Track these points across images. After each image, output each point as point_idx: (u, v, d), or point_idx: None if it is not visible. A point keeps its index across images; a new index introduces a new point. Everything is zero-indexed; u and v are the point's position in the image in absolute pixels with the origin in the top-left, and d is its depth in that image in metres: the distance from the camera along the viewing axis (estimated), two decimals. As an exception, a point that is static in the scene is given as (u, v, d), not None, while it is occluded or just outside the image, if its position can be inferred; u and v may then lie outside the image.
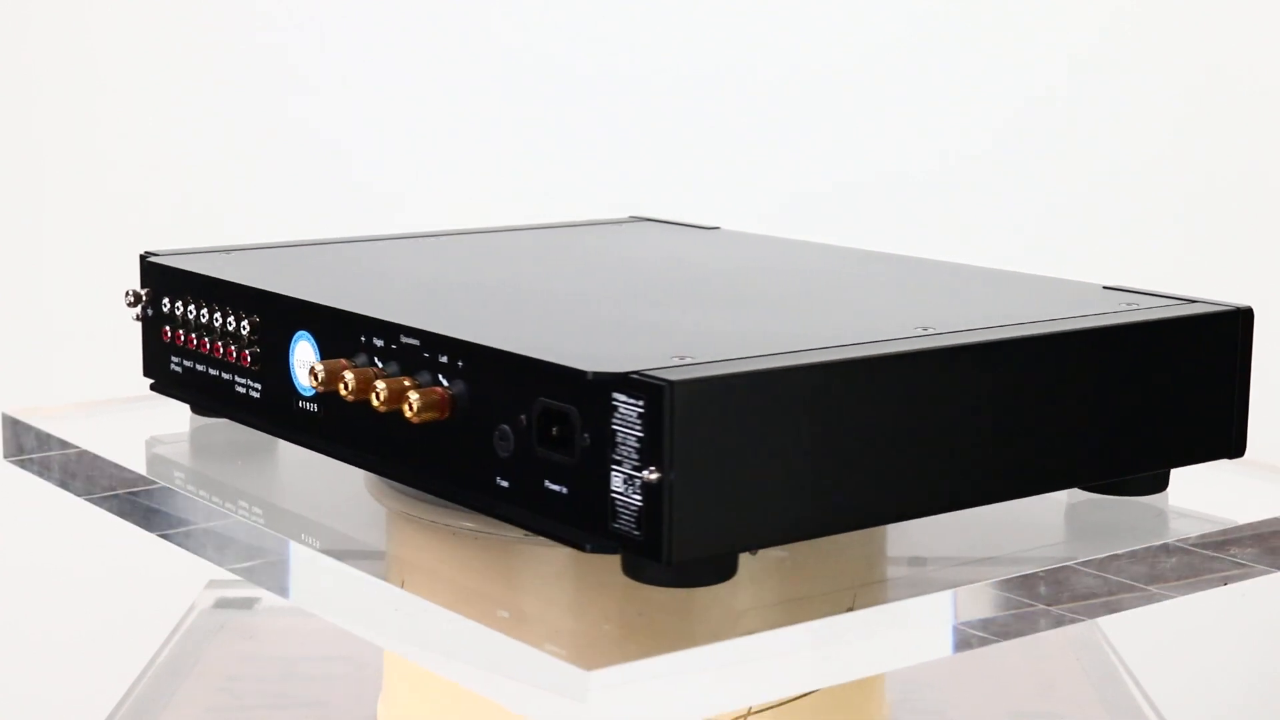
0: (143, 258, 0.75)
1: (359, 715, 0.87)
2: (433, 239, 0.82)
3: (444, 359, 0.59)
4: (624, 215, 0.93)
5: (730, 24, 1.34)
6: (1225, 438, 0.65)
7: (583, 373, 0.53)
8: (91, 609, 1.35)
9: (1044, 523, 0.67)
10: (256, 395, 0.68)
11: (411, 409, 0.58)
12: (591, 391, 0.53)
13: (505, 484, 0.57)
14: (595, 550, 0.54)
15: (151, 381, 0.75)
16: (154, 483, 0.71)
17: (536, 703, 0.52)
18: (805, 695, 0.64)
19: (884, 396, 0.56)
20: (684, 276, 0.73)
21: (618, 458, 0.53)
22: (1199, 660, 1.38)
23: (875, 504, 0.57)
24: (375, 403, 0.59)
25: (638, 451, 0.52)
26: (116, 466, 0.73)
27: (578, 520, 0.55)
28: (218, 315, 0.70)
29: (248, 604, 1.03)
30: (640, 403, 0.52)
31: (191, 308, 0.71)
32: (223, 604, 1.03)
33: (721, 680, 0.53)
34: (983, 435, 0.59)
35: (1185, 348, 0.64)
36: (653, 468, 0.52)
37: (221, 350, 0.70)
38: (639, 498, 0.52)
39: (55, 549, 1.35)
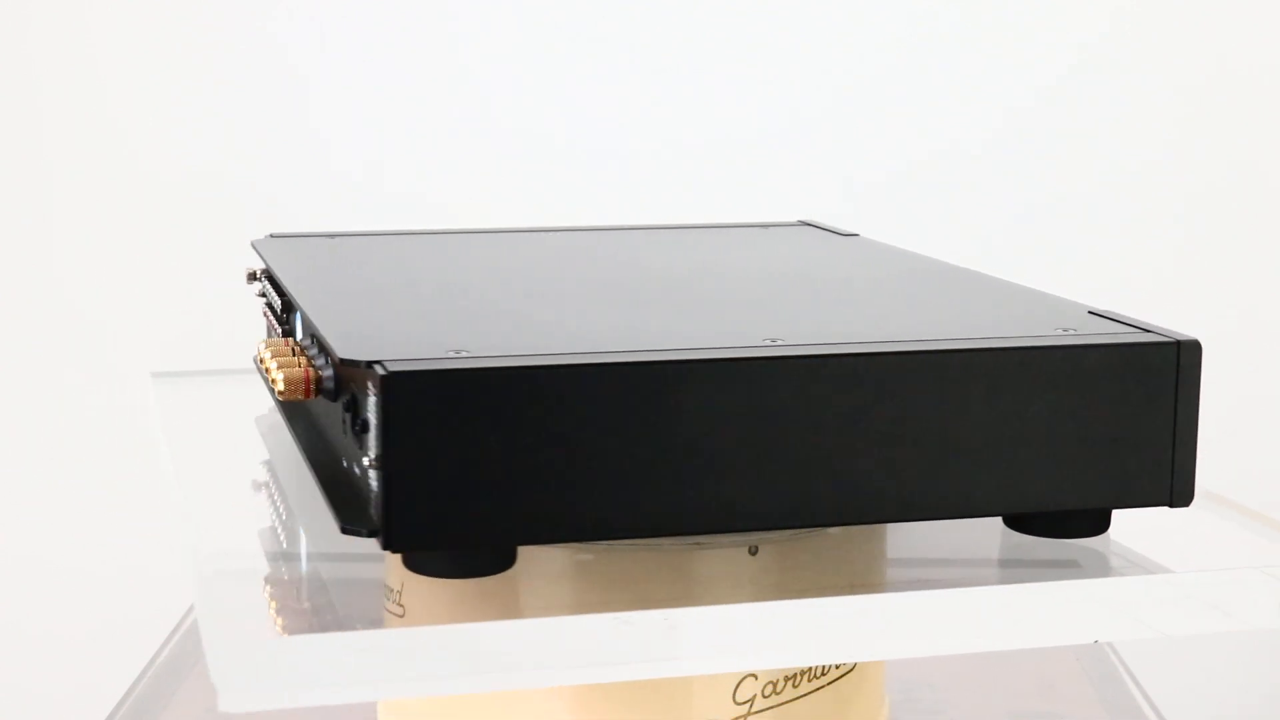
0: (267, 238, 0.80)
1: (359, 715, 0.87)
2: (549, 234, 0.83)
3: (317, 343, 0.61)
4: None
5: (730, 25, 1.35)
6: (1162, 482, 0.59)
7: (339, 359, 0.55)
8: (91, 609, 1.35)
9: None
10: None
11: (279, 386, 0.59)
12: (358, 379, 0.54)
13: (344, 464, 0.58)
14: (347, 532, 0.54)
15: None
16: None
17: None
18: (804, 696, 0.64)
19: (646, 404, 0.54)
20: (641, 277, 0.73)
21: (367, 444, 0.53)
22: (1199, 660, 1.38)
23: (642, 513, 0.55)
24: (274, 384, 0.61)
25: (373, 439, 0.53)
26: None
27: (346, 503, 0.56)
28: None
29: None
30: (374, 391, 0.53)
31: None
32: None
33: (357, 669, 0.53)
34: (801, 453, 0.55)
35: (1100, 380, 0.58)
36: (376, 455, 0.52)
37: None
38: (374, 484, 0.53)
39: (56, 548, 1.35)
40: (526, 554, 0.61)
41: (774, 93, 1.35)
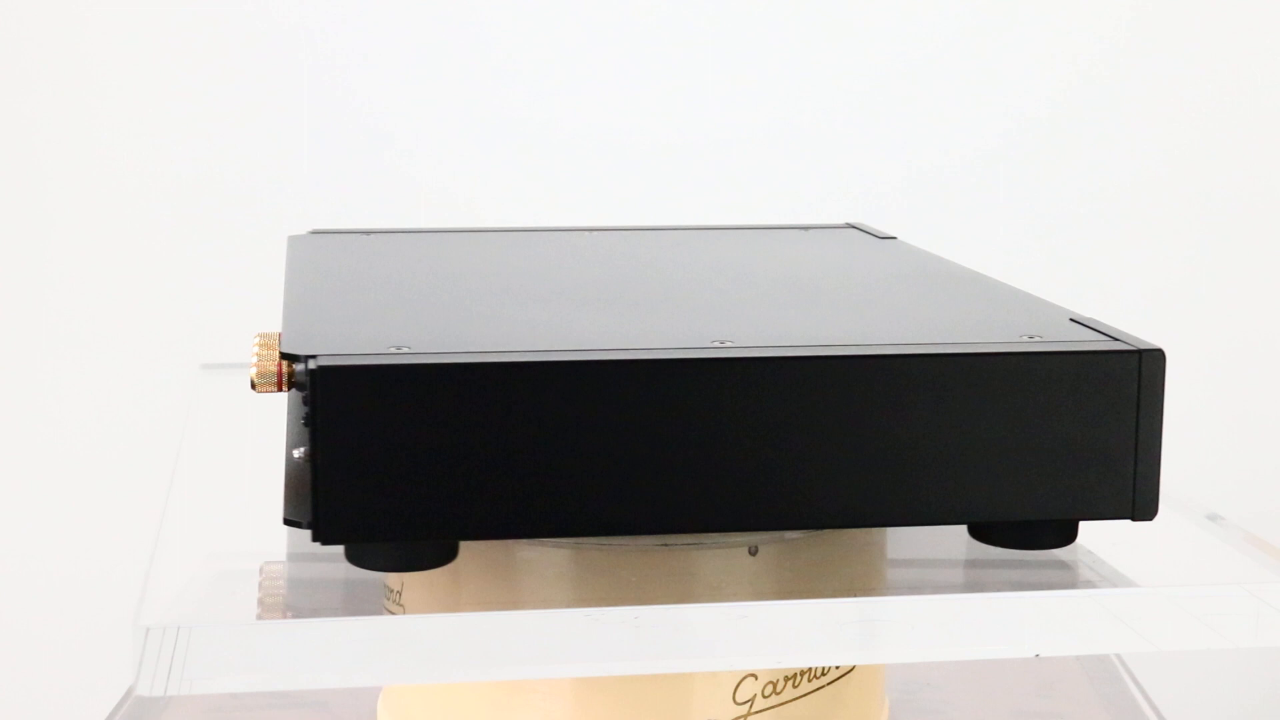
0: (308, 234, 0.82)
1: (359, 715, 0.87)
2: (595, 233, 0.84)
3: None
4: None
5: (729, 26, 1.34)
6: (1123, 494, 0.57)
7: (280, 352, 0.56)
8: (92, 609, 1.35)
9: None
10: None
11: (253, 379, 0.59)
12: (302, 372, 0.55)
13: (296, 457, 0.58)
14: (287, 524, 0.55)
15: None
16: None
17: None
18: (804, 696, 0.64)
19: (571, 404, 0.54)
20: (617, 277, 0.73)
21: (306, 438, 0.54)
22: (1199, 660, 1.38)
23: (572, 511, 0.55)
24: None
25: (306, 431, 0.54)
26: None
27: (294, 495, 0.56)
28: None
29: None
30: (307, 384, 0.54)
31: None
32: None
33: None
34: (742, 457, 0.55)
35: (1057, 388, 0.56)
36: (305, 448, 0.54)
37: None
38: (307, 476, 0.54)
39: (56, 548, 1.35)
40: (525, 554, 0.61)
41: (774, 93, 1.35)
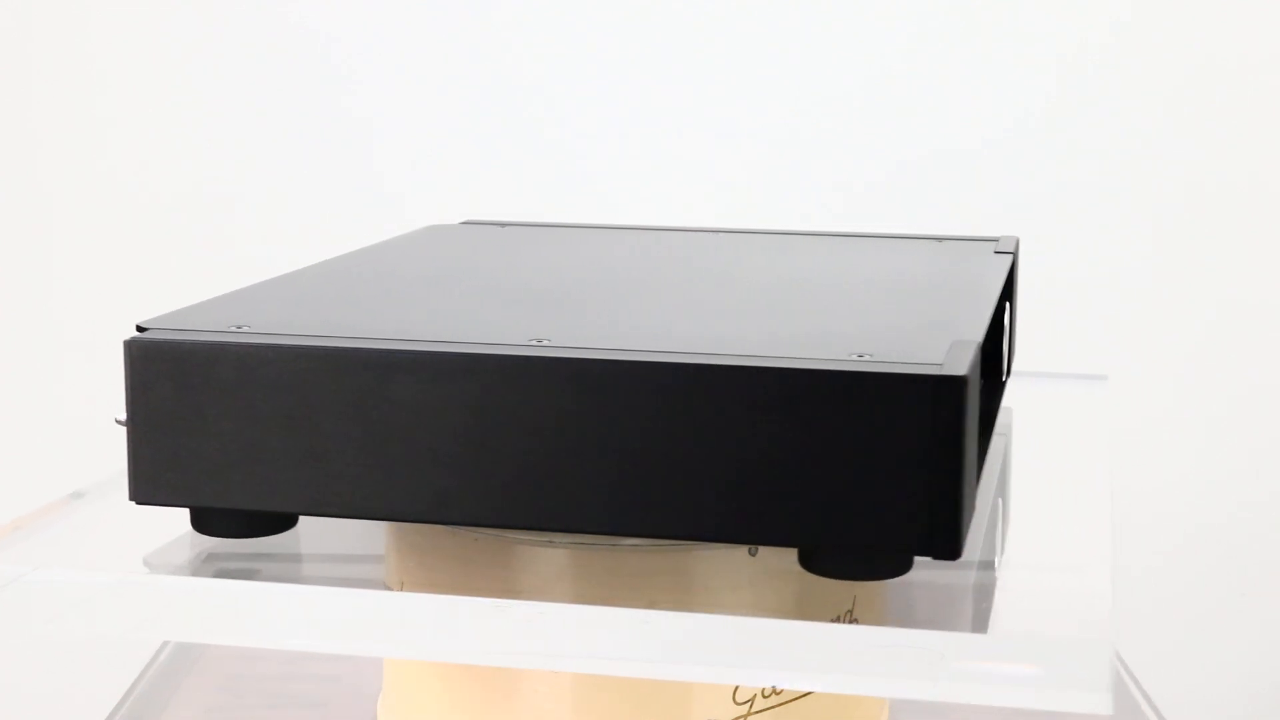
0: (459, 224, 0.85)
1: (359, 715, 0.87)
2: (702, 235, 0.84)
3: None
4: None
5: (727, 28, 1.35)
6: (916, 528, 0.53)
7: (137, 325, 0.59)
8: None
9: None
10: None
11: None
12: None
13: None
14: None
15: None
16: None
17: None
18: (805, 696, 0.64)
19: (350, 391, 0.56)
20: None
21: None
22: (1199, 660, 1.38)
23: (352, 494, 0.56)
24: None
25: None
26: None
27: None
28: None
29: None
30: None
31: None
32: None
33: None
34: (512, 455, 0.55)
35: (845, 411, 0.53)
36: (122, 415, 0.58)
37: None
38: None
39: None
40: (524, 554, 0.61)
41: (772, 94, 1.35)
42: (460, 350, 0.56)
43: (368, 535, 0.66)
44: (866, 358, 0.54)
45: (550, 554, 0.60)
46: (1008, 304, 0.73)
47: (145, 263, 1.37)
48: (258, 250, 1.34)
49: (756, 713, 0.63)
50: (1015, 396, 0.82)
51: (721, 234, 0.85)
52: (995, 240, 0.82)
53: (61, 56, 1.35)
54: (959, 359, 0.54)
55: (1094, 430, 0.82)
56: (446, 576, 0.62)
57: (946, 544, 0.53)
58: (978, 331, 0.59)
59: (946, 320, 0.61)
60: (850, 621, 0.61)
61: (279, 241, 1.36)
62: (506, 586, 0.61)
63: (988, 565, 0.61)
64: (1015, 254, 0.78)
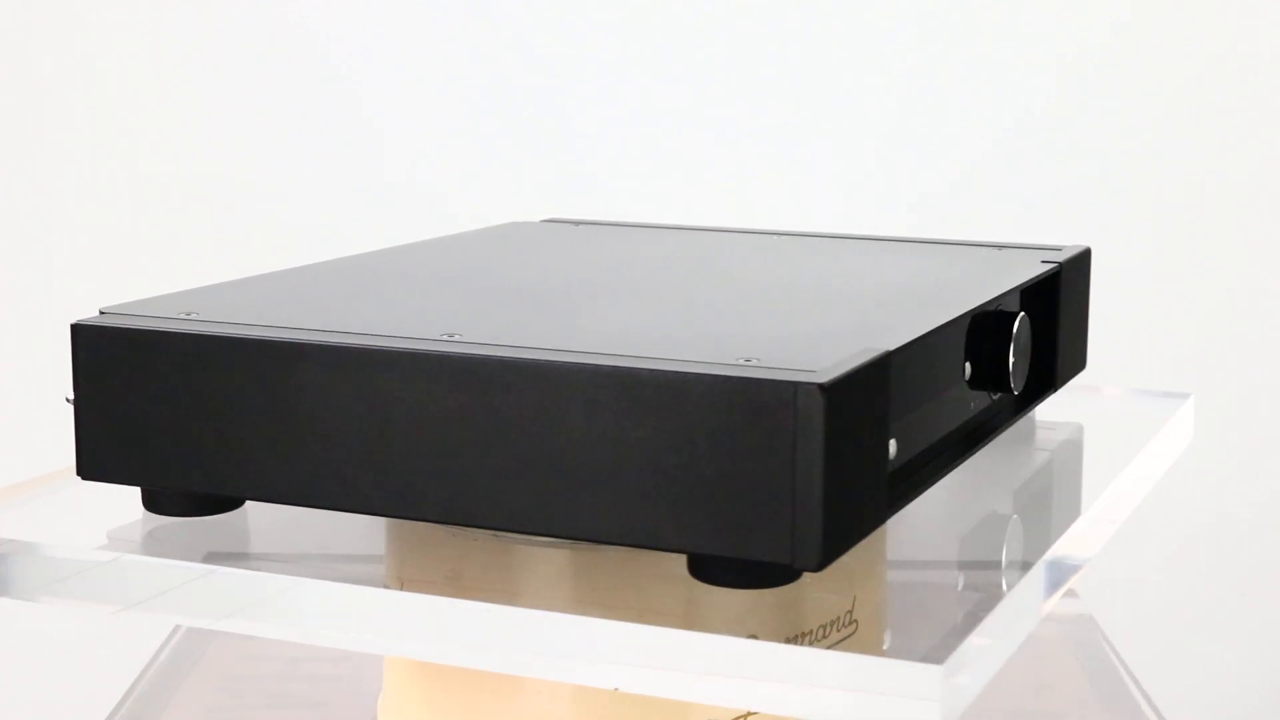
0: (540, 221, 0.86)
1: (359, 715, 0.87)
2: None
3: None
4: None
5: (727, 28, 1.35)
6: (779, 537, 0.52)
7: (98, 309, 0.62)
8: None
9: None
10: None
11: None
12: None
13: None
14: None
15: None
16: None
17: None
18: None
19: (280, 380, 0.58)
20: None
21: None
22: (1199, 660, 1.38)
23: (275, 480, 0.58)
24: None
25: None
26: None
27: None
28: None
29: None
30: None
31: None
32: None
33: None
34: (408, 447, 0.56)
35: (709, 416, 0.52)
36: (71, 396, 0.61)
37: None
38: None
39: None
40: (523, 554, 0.61)
41: (772, 94, 1.35)
42: (361, 344, 0.57)
43: (368, 535, 0.66)
44: (753, 362, 0.53)
45: (552, 554, 0.60)
46: (1022, 315, 0.69)
47: (146, 263, 1.37)
48: (258, 250, 1.34)
49: (757, 713, 0.63)
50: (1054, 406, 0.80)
51: (758, 235, 0.84)
52: (1058, 249, 0.79)
53: (62, 57, 1.35)
54: (836, 367, 0.52)
55: (1120, 440, 0.82)
56: (445, 577, 0.62)
57: (807, 554, 0.51)
58: (894, 340, 0.57)
59: (876, 326, 0.60)
60: (850, 623, 0.61)
61: (279, 241, 1.36)
62: (506, 587, 0.61)
63: (1026, 566, 0.60)
64: (1063, 265, 0.75)
